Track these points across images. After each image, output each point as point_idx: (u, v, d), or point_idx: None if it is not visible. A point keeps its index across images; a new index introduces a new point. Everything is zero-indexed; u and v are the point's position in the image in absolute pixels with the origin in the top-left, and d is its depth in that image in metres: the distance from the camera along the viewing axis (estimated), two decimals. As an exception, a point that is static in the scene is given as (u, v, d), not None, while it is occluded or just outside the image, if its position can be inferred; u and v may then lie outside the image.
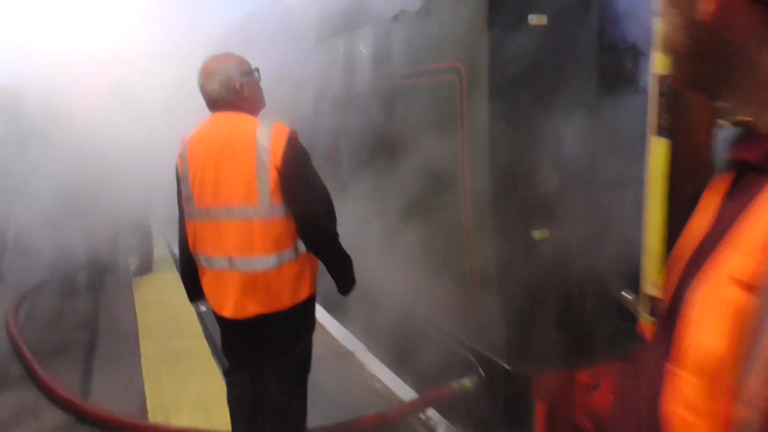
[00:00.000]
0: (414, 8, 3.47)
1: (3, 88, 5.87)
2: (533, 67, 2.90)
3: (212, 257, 2.43)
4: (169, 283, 6.00)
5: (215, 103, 2.42)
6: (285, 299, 2.43)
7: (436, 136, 3.35)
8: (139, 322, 5.02)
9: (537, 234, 2.97)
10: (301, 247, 2.43)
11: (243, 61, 2.47)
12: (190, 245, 2.51)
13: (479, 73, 2.98)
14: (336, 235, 2.52)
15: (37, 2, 5.40)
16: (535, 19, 2.89)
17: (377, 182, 3.89)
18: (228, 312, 2.45)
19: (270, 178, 2.28)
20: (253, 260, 2.36)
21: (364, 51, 4.06)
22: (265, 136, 2.29)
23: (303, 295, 2.48)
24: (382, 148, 3.91)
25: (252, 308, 2.41)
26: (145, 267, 6.40)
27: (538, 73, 2.91)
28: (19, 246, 5.79)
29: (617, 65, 2.89)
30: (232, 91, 2.39)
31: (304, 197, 2.38)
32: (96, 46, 5.38)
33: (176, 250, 6.81)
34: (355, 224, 3.57)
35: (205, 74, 2.42)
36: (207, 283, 2.51)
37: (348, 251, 2.58)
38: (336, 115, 4.59)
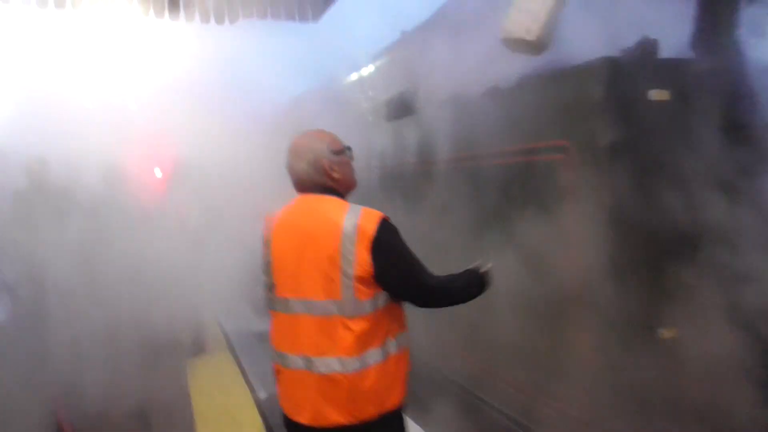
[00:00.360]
0: (509, 83, 3.27)
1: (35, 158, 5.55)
2: (655, 146, 2.63)
3: (287, 355, 2.16)
4: (224, 366, 5.69)
5: (303, 184, 2.20)
6: (370, 408, 2.11)
7: (536, 220, 3.06)
8: (195, 411, 4.69)
9: (664, 332, 2.62)
10: (391, 348, 2.13)
11: (334, 139, 2.25)
12: (270, 338, 2.23)
13: (592, 151, 2.72)
14: (449, 298, 2.21)
15: (79, 64, 5.29)
16: (656, 95, 2.64)
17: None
18: (305, 419, 2.14)
19: (354, 272, 2.01)
20: (333, 362, 2.07)
21: (446, 129, 3.86)
22: (351, 226, 2.03)
23: (392, 403, 2.15)
24: (470, 233, 3.63)
25: (333, 417, 2.10)
26: (199, 347, 6.12)
27: (661, 152, 2.63)
28: (64, 328, 5.54)
29: (752, 144, 2.59)
30: (320, 172, 2.17)
31: (402, 287, 2.12)
32: (145, 122, 5.29)
33: (228, 329, 6.66)
34: (446, 314, 3.27)
35: (293, 153, 2.21)
36: (282, 383, 2.23)
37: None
38: (415, 197, 4.36)
